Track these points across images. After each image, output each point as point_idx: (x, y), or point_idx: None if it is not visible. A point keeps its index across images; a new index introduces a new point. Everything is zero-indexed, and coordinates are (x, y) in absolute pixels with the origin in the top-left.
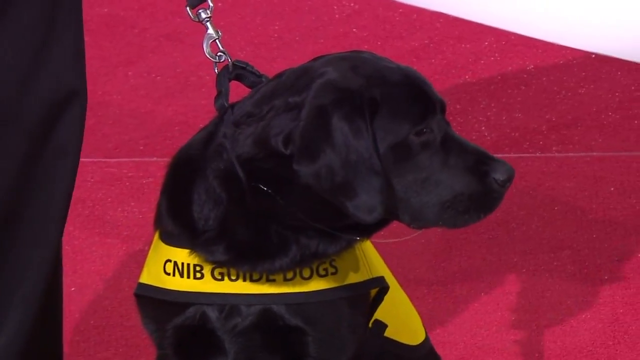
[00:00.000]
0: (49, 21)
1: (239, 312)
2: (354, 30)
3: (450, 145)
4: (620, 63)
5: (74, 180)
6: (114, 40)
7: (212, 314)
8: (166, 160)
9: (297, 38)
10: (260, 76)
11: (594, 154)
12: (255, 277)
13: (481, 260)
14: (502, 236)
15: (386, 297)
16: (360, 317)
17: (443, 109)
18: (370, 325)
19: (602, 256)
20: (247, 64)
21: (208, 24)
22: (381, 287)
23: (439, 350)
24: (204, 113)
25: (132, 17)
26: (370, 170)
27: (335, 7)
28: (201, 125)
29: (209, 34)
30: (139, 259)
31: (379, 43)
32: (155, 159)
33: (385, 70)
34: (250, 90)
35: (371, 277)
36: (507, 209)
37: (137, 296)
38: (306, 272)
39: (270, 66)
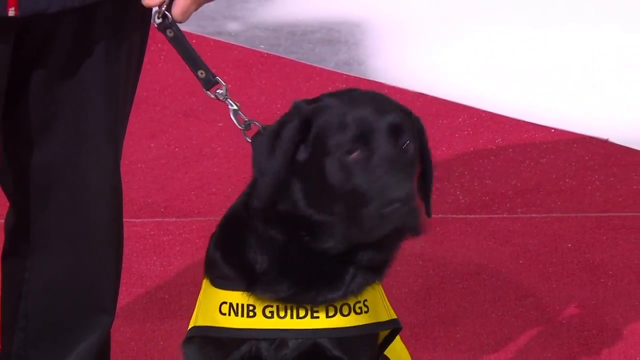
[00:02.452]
0: None
1: (287, 344)
2: None
3: (371, 164)
4: (576, 136)
5: None
6: (139, 117)
7: (264, 347)
8: (184, 220)
9: None
10: None
11: (554, 214)
12: (301, 314)
13: (457, 306)
14: (474, 285)
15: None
16: (376, 353)
17: (389, 134)
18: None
19: (561, 303)
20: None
21: (228, 100)
22: (396, 327)
23: None
24: (215, 179)
25: (154, 97)
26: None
27: (330, 88)
28: (214, 190)
29: (232, 109)
30: (160, 306)
31: None
32: (174, 219)
33: (344, 101)
34: None
35: (392, 318)
36: (479, 262)
37: (191, 339)
38: (345, 310)
39: None
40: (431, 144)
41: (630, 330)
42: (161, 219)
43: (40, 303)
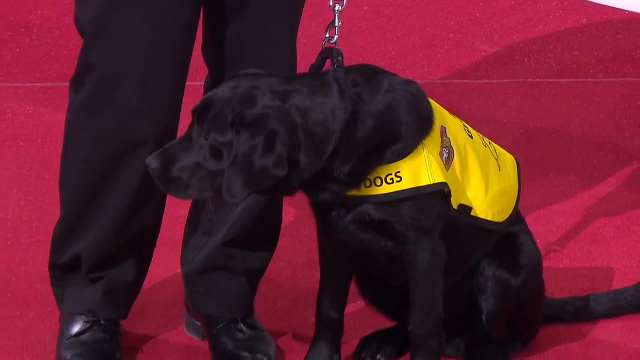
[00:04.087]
0: None
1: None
2: None
3: None
4: None
5: None
6: None
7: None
8: None
9: None
10: (340, 65)
11: (628, 79)
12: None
13: (551, 151)
14: (565, 134)
15: (477, 182)
16: (438, 206)
17: (195, 118)
18: (456, 208)
19: (634, 150)
20: (340, 54)
21: (337, 15)
22: (441, 190)
23: None
24: None
25: None
26: None
27: None
28: None
29: (333, 22)
30: None
31: None
32: None
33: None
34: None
35: (432, 182)
36: (568, 116)
37: None
38: (378, 182)
39: None
40: (531, 23)
41: None
42: None
43: None
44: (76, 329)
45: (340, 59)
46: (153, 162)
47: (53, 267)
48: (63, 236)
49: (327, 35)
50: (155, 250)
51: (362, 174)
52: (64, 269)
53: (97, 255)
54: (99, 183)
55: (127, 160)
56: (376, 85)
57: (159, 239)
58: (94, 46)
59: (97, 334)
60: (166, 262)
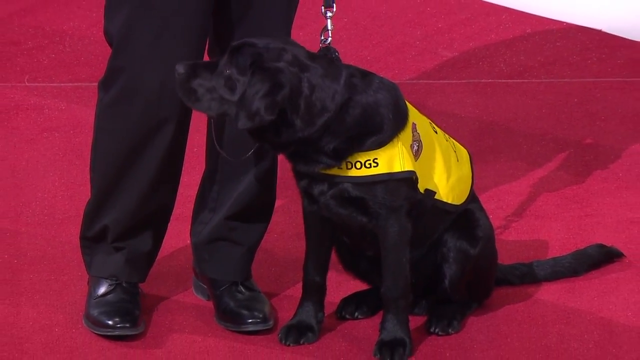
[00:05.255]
0: None
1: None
2: None
3: None
4: (575, 26)
5: None
6: None
7: (314, 184)
8: None
9: None
10: (337, 59)
11: (565, 80)
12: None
13: (501, 141)
14: (514, 127)
15: (440, 171)
16: (406, 189)
17: (228, 52)
18: (422, 192)
19: (566, 140)
20: (336, 50)
21: (329, 20)
22: (409, 177)
23: None
24: None
25: None
26: None
27: None
28: None
29: (326, 27)
30: None
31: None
32: None
33: None
34: None
35: (403, 170)
36: (515, 112)
37: None
38: (358, 165)
39: None
40: (484, 32)
41: None
42: None
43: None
44: (101, 290)
45: (337, 54)
46: (181, 67)
47: (83, 237)
48: (93, 211)
49: (322, 38)
50: (169, 224)
51: (343, 152)
52: (92, 240)
53: (120, 227)
54: (124, 167)
55: (151, 141)
56: (369, 81)
57: (172, 215)
58: (121, 52)
59: (119, 294)
60: (178, 234)
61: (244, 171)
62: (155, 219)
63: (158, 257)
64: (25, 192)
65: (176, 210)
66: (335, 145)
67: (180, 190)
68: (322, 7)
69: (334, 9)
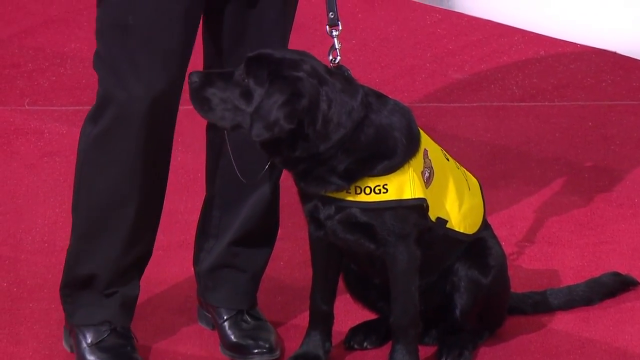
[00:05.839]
0: None
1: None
2: None
3: None
4: (591, 49)
5: None
6: None
7: (320, 207)
8: None
9: None
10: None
11: (579, 103)
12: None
13: (513, 165)
14: (527, 150)
15: (452, 200)
16: (415, 216)
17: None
18: (434, 220)
19: (579, 164)
20: (346, 70)
21: (335, 39)
22: (420, 204)
23: None
24: None
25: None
26: None
27: None
28: None
29: (333, 46)
30: None
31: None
32: None
33: None
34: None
35: (413, 197)
36: (529, 134)
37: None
38: (367, 190)
39: None
40: (496, 54)
41: None
42: None
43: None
44: (93, 337)
45: (349, 72)
46: (194, 76)
47: (65, 286)
48: (75, 257)
49: (331, 57)
50: (171, 251)
51: (354, 174)
52: (76, 287)
53: (109, 274)
54: (109, 204)
55: (144, 171)
56: (384, 102)
57: (174, 242)
58: (104, 79)
59: (116, 339)
60: (181, 262)
61: (245, 196)
62: (140, 263)
63: (162, 286)
64: (25, 218)
65: (179, 237)
66: (347, 165)
67: (183, 216)
68: (327, 26)
69: (340, 27)
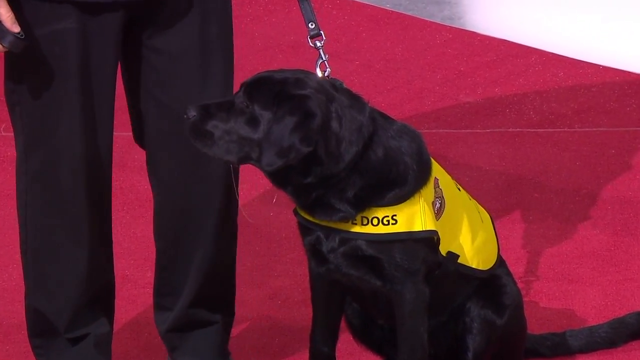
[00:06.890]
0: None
1: (335, 240)
2: None
3: None
4: (617, 71)
5: None
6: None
7: (323, 239)
8: None
9: None
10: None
11: (602, 129)
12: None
13: (530, 196)
14: (544, 181)
15: (465, 233)
16: (424, 250)
17: (243, 88)
18: (444, 254)
19: (605, 195)
20: (339, 82)
21: (321, 50)
22: (431, 237)
23: None
24: None
25: None
26: None
27: None
28: None
29: (320, 57)
30: None
31: None
32: None
33: None
34: None
35: (424, 229)
36: (546, 164)
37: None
38: (375, 221)
39: None
40: (511, 76)
41: None
42: None
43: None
44: None
45: (344, 85)
46: (192, 111)
47: (33, 336)
48: (33, 304)
49: (319, 70)
50: (141, 291)
51: (363, 201)
52: (43, 336)
53: (71, 314)
54: (59, 243)
55: (91, 207)
56: (390, 120)
57: (144, 281)
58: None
59: None
60: (150, 305)
61: (188, 256)
62: (103, 297)
63: (128, 334)
64: (1, 253)
65: (145, 276)
66: (356, 191)
67: (149, 255)
68: (309, 39)
69: (324, 38)
